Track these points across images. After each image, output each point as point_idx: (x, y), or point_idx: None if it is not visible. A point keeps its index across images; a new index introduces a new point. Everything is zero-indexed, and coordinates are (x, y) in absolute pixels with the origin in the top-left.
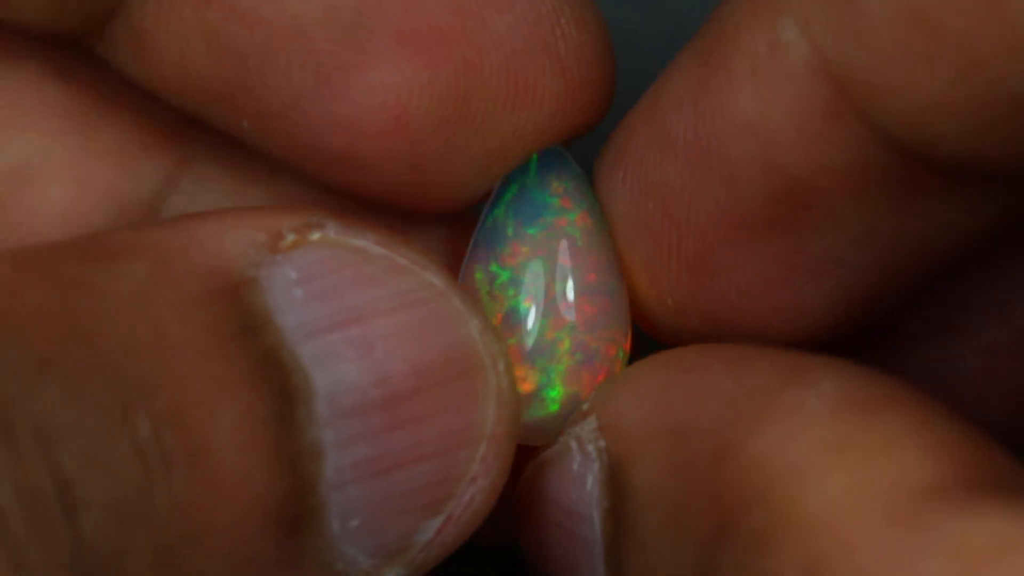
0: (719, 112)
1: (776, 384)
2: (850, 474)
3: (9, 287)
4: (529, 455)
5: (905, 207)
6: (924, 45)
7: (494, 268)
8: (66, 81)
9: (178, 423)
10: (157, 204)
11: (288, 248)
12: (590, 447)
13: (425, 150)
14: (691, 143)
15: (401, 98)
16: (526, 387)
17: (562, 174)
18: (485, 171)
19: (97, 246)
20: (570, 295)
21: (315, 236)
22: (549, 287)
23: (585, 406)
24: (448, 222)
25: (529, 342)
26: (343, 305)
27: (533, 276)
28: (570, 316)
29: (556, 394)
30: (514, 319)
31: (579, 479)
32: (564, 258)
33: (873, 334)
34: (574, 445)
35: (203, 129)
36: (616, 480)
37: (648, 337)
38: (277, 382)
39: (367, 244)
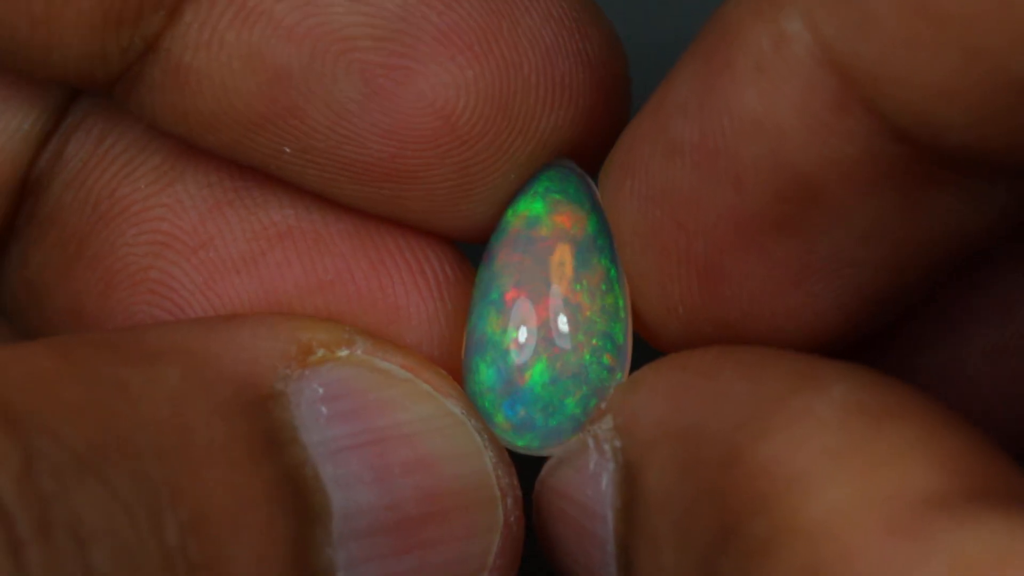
0: (725, 111)
1: (787, 389)
2: (853, 483)
3: (49, 381)
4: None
5: (913, 201)
6: (929, 33)
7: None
8: None
9: (203, 533)
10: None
11: (316, 363)
12: (606, 446)
13: (471, 152)
14: (698, 145)
15: (449, 98)
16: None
17: (567, 189)
18: (522, 179)
19: (134, 345)
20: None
21: (343, 353)
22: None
23: (603, 405)
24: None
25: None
26: (365, 427)
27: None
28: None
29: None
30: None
31: (595, 478)
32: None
33: (879, 338)
34: (591, 443)
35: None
36: (630, 480)
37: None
38: (298, 500)
39: (393, 367)
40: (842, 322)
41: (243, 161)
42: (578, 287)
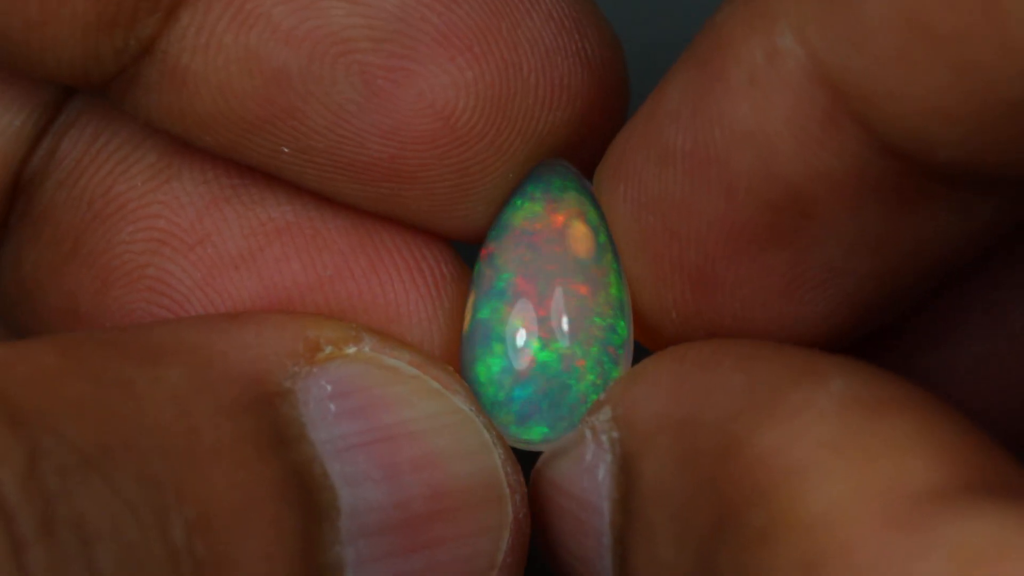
0: (717, 121)
1: (786, 381)
2: (852, 475)
3: (54, 378)
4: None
5: (904, 213)
6: (920, 49)
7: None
8: None
9: (210, 532)
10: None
11: (324, 360)
12: (603, 437)
13: (470, 153)
14: (690, 154)
15: (449, 99)
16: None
17: (566, 186)
18: (520, 177)
19: (139, 343)
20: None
21: (351, 350)
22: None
23: (601, 396)
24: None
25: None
26: (373, 424)
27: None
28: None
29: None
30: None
31: (591, 469)
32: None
33: (872, 341)
34: (588, 434)
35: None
36: (627, 471)
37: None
38: (306, 497)
39: (401, 364)
40: (832, 329)
41: (241, 160)
42: (580, 280)
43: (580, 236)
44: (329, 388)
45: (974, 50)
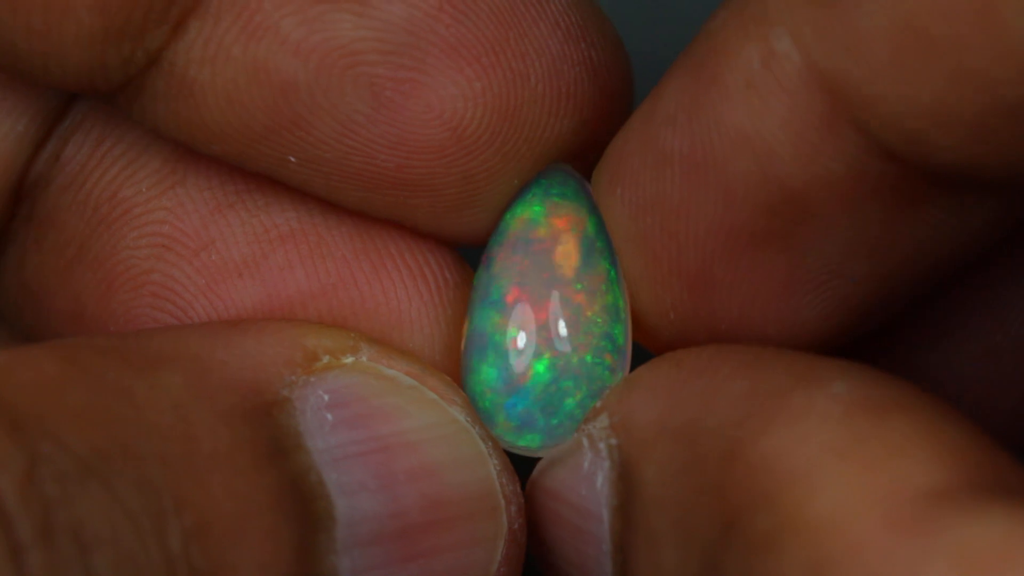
0: (714, 125)
1: (788, 385)
2: (856, 478)
3: (54, 385)
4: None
5: (901, 216)
6: (916, 54)
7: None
8: None
9: (207, 539)
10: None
11: (322, 370)
12: (601, 445)
13: (477, 162)
14: (687, 157)
15: (457, 110)
16: None
17: (565, 192)
18: (524, 184)
19: (139, 351)
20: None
21: (348, 360)
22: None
23: (598, 404)
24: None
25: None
26: (370, 434)
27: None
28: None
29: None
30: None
31: (589, 476)
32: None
33: (872, 340)
34: (585, 442)
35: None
36: (626, 478)
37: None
38: (302, 507)
39: (398, 374)
40: (830, 330)
41: (248, 168)
42: (578, 287)
43: (578, 242)
44: (326, 398)
45: (970, 56)
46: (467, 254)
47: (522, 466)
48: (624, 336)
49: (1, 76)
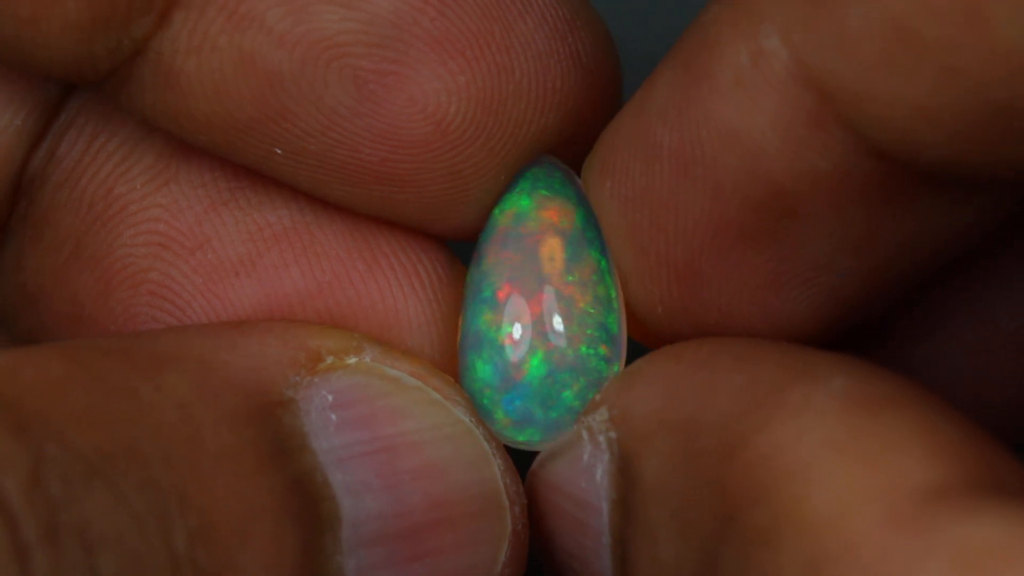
0: (704, 121)
1: (786, 380)
2: (854, 474)
3: (59, 385)
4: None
5: (889, 212)
6: (904, 54)
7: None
8: None
9: (212, 540)
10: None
11: (326, 370)
12: (601, 438)
13: (463, 157)
14: (676, 152)
15: (441, 104)
16: None
17: (553, 185)
18: (511, 178)
19: (144, 351)
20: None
21: (352, 360)
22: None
23: (597, 396)
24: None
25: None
26: (375, 435)
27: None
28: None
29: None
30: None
31: (589, 469)
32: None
33: (862, 335)
34: (585, 435)
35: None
36: (625, 471)
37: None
38: (307, 507)
39: (402, 375)
40: (818, 325)
41: (236, 160)
42: (570, 279)
43: (568, 234)
44: (331, 398)
45: (958, 56)
46: (459, 249)
47: (521, 460)
48: (618, 325)
49: None
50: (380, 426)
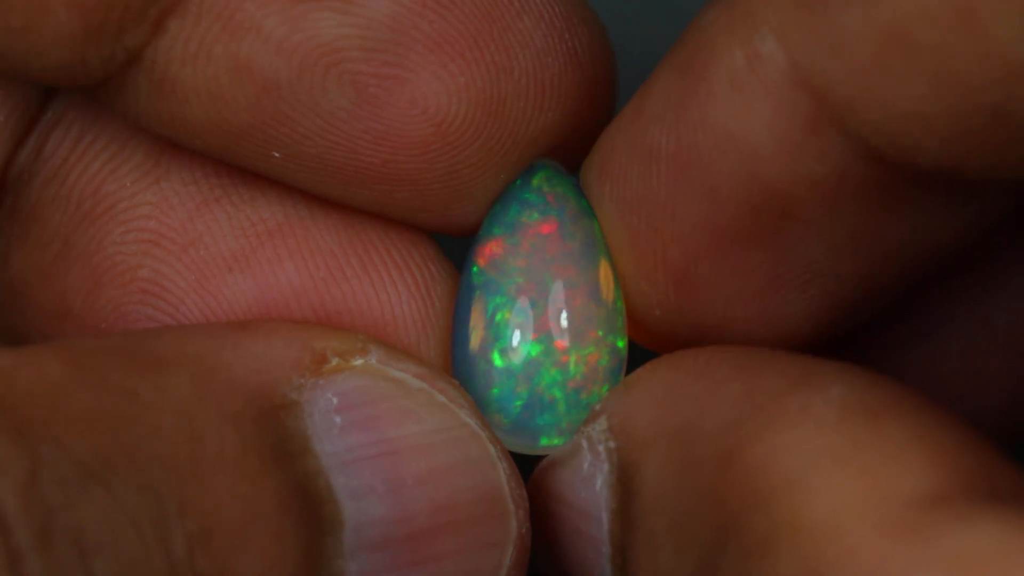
0: (700, 125)
1: (784, 389)
2: (853, 482)
3: (57, 387)
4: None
5: (885, 215)
6: (900, 58)
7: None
8: None
9: (211, 544)
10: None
11: (331, 372)
12: (600, 447)
13: (462, 157)
14: (674, 155)
15: (441, 105)
16: None
17: (554, 185)
18: (511, 178)
19: (144, 352)
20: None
21: (357, 362)
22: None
23: (597, 406)
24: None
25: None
26: (379, 437)
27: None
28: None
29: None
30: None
31: (589, 479)
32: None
33: (857, 338)
34: (585, 445)
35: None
36: (625, 481)
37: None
38: (309, 511)
39: (407, 377)
40: (814, 328)
41: (232, 163)
42: (578, 284)
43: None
44: (335, 400)
45: (953, 60)
46: (457, 247)
47: (523, 465)
48: (622, 328)
49: None
50: (385, 429)
